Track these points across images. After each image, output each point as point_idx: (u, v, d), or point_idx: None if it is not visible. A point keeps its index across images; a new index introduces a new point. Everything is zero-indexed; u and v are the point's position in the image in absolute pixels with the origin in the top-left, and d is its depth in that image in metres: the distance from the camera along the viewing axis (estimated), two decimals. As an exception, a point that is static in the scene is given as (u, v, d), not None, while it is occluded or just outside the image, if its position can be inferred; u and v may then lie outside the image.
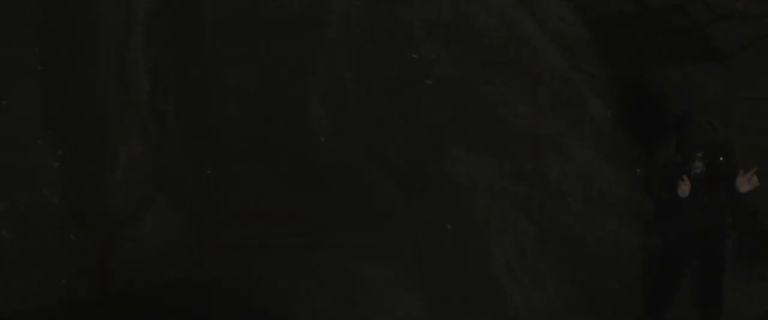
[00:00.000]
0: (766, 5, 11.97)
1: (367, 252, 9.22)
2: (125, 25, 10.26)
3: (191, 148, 9.78)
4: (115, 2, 10.25)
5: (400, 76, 10.61)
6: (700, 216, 8.92)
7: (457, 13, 11.14)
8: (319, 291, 8.91)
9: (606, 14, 12.11)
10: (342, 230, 9.37)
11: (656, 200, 9.07)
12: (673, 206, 8.90)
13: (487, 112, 10.55)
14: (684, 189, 8.69)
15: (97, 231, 9.14)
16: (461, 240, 9.47)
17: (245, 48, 10.22)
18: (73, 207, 9.30)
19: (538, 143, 10.43)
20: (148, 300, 8.75)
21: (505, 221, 9.69)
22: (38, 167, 9.49)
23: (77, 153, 9.67)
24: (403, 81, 10.59)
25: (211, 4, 10.13)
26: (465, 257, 9.36)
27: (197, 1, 10.10)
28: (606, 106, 11.04)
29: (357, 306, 8.87)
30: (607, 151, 10.63)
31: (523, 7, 11.71)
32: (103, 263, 8.92)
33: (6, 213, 9.23)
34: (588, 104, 10.98)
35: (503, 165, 10.16)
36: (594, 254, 9.72)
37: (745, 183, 8.75)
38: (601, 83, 11.31)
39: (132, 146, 9.55)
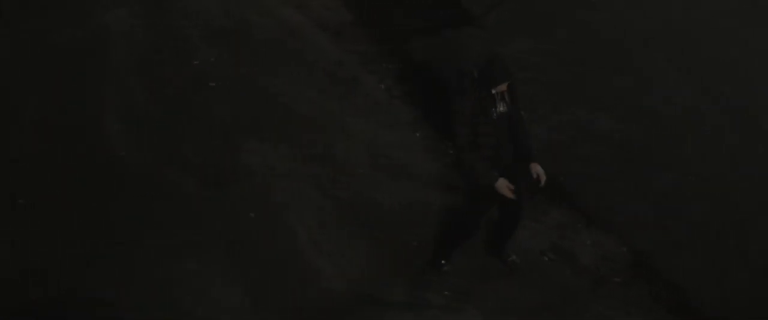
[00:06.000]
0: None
1: (182, 251, 9.31)
2: None
3: (1, 181, 9.74)
4: None
5: (185, 82, 10.86)
6: (502, 154, 8.98)
7: (229, 17, 11.47)
8: (144, 295, 8.93)
9: (364, -4, 12.57)
10: (155, 234, 9.44)
11: (463, 149, 8.97)
12: (477, 148, 8.92)
13: (271, 102, 10.90)
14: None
15: None
16: (266, 224, 9.68)
17: (38, 79, 10.24)
18: None
19: (322, 124, 10.78)
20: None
21: (303, 200, 9.94)
22: None
23: None
24: (189, 87, 10.84)
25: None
26: (272, 240, 9.55)
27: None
28: (378, 80, 11.44)
29: (182, 303, 8.91)
30: (385, 121, 10.94)
31: (288, 3, 12.12)
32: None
33: None
34: (361, 81, 11.40)
35: (293, 149, 10.44)
36: (390, 216, 9.98)
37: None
38: (371, 60, 11.70)
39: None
